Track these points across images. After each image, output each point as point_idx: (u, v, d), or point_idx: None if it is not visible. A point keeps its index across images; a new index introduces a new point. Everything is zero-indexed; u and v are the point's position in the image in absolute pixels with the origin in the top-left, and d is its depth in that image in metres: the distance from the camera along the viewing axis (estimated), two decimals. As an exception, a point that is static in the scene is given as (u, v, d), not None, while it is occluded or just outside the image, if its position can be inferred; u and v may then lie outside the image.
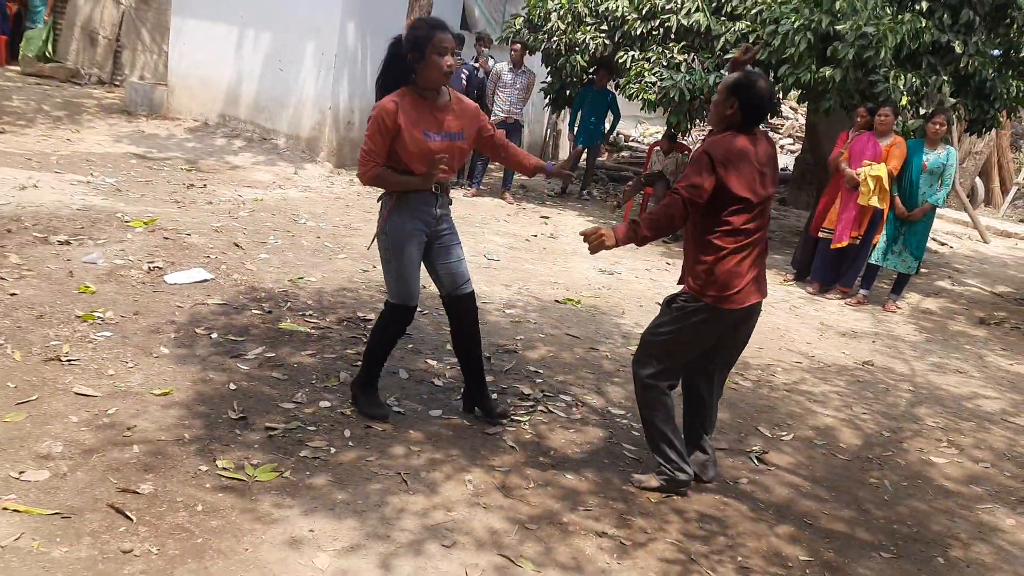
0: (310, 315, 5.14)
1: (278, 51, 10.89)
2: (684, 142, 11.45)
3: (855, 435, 4.61)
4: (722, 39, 9.16)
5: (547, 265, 7.54)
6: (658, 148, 10.25)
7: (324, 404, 3.94)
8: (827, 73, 8.13)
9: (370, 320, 5.16)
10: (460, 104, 3.69)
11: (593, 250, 3.30)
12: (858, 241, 7.80)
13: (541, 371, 4.84)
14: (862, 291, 7.96)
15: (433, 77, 3.48)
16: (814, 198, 12.51)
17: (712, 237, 3.33)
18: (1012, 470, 4.43)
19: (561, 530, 3.20)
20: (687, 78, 8.96)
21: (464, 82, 10.37)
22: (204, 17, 11.35)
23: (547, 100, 11.68)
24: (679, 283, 3.57)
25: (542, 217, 9.86)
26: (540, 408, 4.32)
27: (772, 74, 8.99)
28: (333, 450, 3.52)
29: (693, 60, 9.23)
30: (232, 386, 3.97)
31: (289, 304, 5.29)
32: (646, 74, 9.23)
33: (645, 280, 7.58)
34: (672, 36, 9.51)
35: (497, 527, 3.16)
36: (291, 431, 3.63)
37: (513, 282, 6.71)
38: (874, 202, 7.63)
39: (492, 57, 10.84)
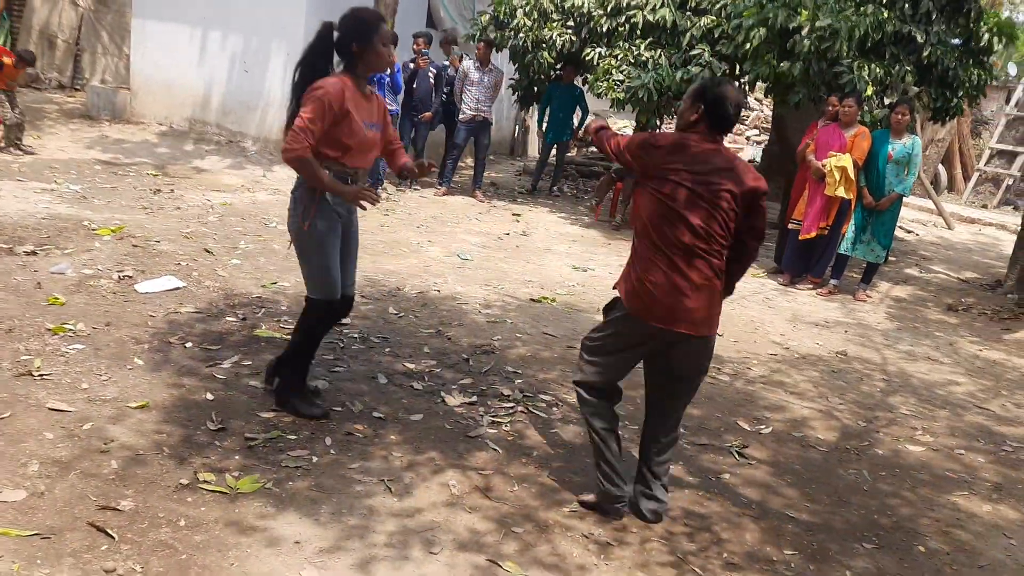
0: (287, 321, 5.10)
1: (243, 53, 10.78)
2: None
3: (832, 426, 4.66)
4: (688, 34, 9.22)
5: (521, 263, 7.54)
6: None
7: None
8: (787, 67, 8.22)
9: (346, 324, 5.13)
10: (375, 95, 3.71)
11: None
12: (827, 232, 7.89)
13: (520, 371, 4.84)
14: (832, 281, 8.05)
15: (375, 64, 3.53)
16: (783, 189, 12.61)
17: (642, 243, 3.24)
18: (984, 457, 4.50)
19: (544, 530, 3.20)
20: (654, 76, 8.99)
21: (432, 81, 10.34)
22: (166, 19, 11.20)
23: (515, 97, 11.67)
24: (614, 287, 3.43)
25: (514, 215, 9.85)
26: (520, 408, 4.32)
27: (737, 68, 9.07)
28: (315, 458, 3.49)
29: (660, 56, 9.26)
30: (210, 396, 3.92)
31: (265, 310, 5.24)
32: (613, 71, 9.25)
33: (618, 276, 7.59)
34: (638, 32, 9.54)
35: (480, 528, 3.15)
36: (271, 440, 3.59)
37: (488, 281, 6.70)
38: (840, 192, 7.71)
39: (464, 55, 10.81)
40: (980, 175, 17.27)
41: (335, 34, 3.52)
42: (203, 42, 11.01)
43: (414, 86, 10.17)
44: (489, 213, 9.81)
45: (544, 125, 11.47)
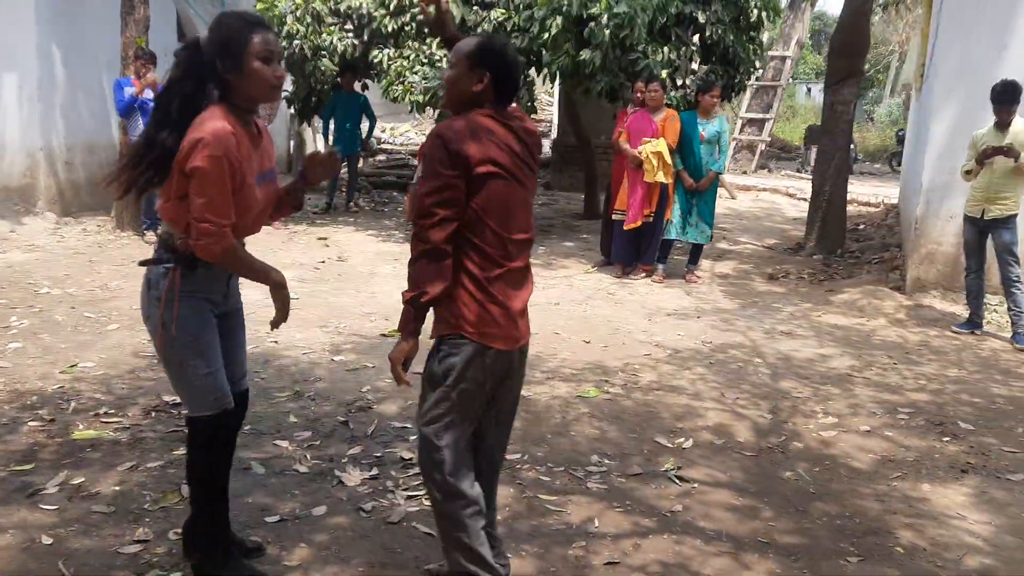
0: (107, 413, 4.12)
1: (-38, 88, 9.07)
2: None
3: (745, 426, 4.43)
4: (479, 29, 8.83)
5: (351, 294, 6.81)
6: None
7: (176, 535, 3.06)
8: (587, 56, 8.07)
9: (180, 404, 4.23)
10: (260, 128, 2.74)
11: (399, 377, 2.55)
12: (651, 218, 7.82)
13: (409, 425, 4.20)
14: (660, 267, 8.01)
15: (256, 91, 2.56)
16: (585, 180, 12.68)
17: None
18: (893, 432, 4.45)
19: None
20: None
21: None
22: None
23: (291, 110, 10.78)
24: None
25: (319, 239, 9.03)
26: (430, 473, 3.70)
27: (533, 60, 8.81)
28: (217, 602, 2.70)
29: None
30: (47, 540, 2.97)
31: (73, 404, 4.21)
32: (407, 73, 8.69)
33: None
34: (426, 30, 9.03)
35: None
36: (151, 587, 2.75)
37: (326, 321, 5.95)
38: (660, 178, 7.66)
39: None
40: (737, 143, 18.41)
41: (202, 52, 2.56)
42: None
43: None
44: (292, 240, 8.92)
45: (331, 138, 10.70)
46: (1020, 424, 4.62)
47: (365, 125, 11.02)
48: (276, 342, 5.38)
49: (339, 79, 10.06)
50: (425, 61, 8.73)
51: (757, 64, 9.85)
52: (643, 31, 7.80)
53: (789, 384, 5.12)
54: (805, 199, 13.56)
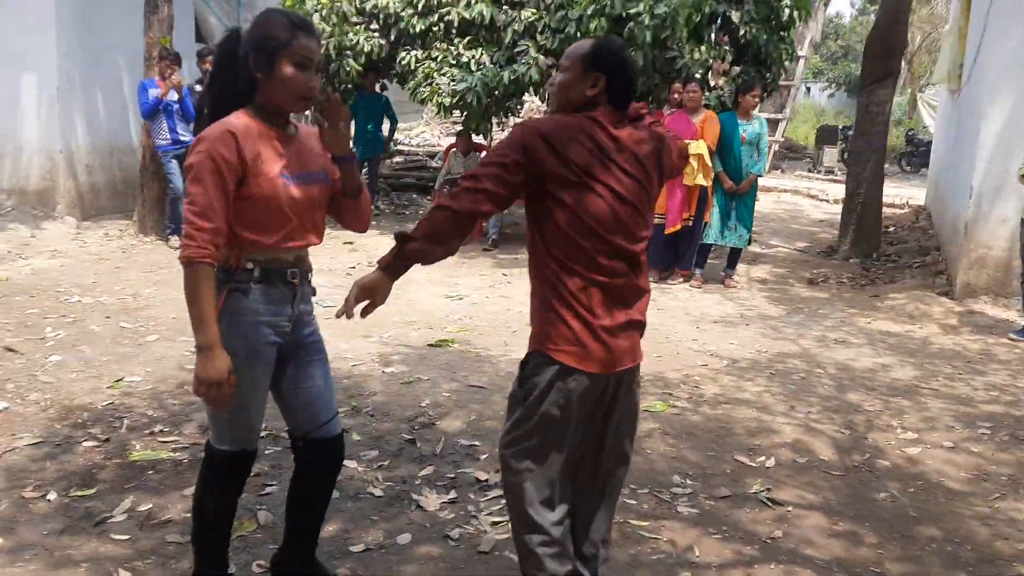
0: (162, 431, 3.94)
1: (-20, 90, 8.87)
2: (481, 141, 10.87)
3: (823, 442, 4.25)
4: (509, 30, 8.65)
5: (390, 301, 6.60)
6: (455, 150, 9.56)
7: (260, 568, 2.88)
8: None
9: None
10: (303, 130, 2.51)
11: (366, 310, 2.35)
12: (690, 222, 7.65)
13: (478, 443, 4.02)
14: (698, 271, 7.84)
15: (282, 98, 2.34)
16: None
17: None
18: (978, 448, 4.26)
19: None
20: (481, 77, 8.34)
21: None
22: None
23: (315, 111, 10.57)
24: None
25: (345, 243, 8.84)
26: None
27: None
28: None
29: (482, 56, 8.62)
30: (126, 575, 2.79)
31: (127, 421, 4.02)
32: (435, 75, 8.49)
33: (496, 299, 6.90)
34: (454, 31, 8.85)
35: None
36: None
37: (368, 330, 5.75)
38: (700, 180, 7.50)
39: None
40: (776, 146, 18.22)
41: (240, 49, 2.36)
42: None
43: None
44: (318, 248, 8.71)
45: (352, 140, 10.50)
46: (1105, 438, 4.45)
47: (386, 126, 10.84)
48: (323, 353, 5.20)
49: (362, 80, 9.86)
50: (453, 63, 8.53)
51: (788, 64, 9.67)
52: (684, 31, 7.62)
53: (857, 396, 4.94)
54: (827, 200, 13.51)
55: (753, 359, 5.56)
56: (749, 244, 8.02)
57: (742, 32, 8.65)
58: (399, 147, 14.71)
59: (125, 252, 7.93)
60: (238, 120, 2.32)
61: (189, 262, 2.23)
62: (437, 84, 8.35)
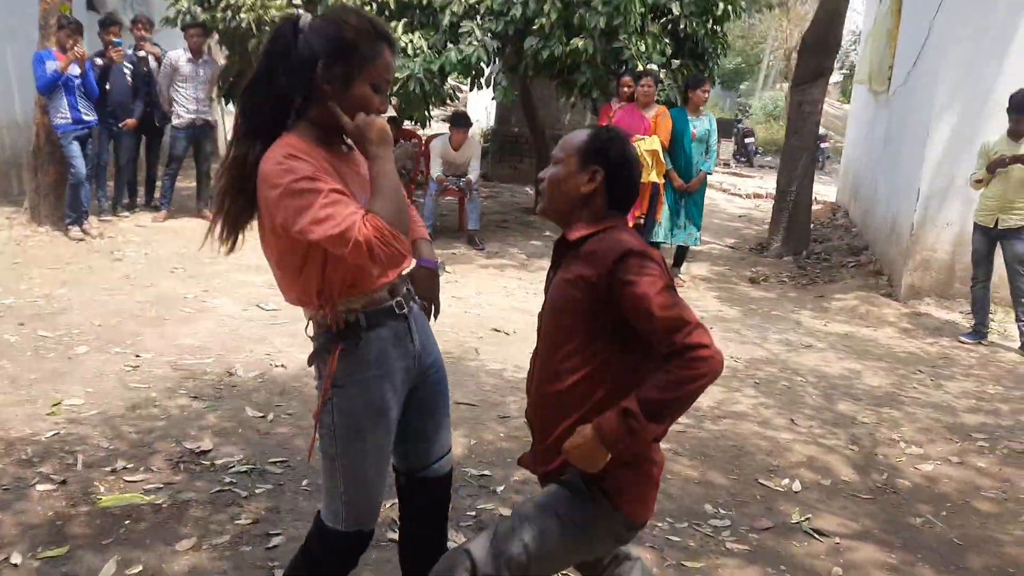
0: (126, 468, 3.38)
1: None
2: (411, 128, 10.33)
3: (838, 460, 4.09)
4: (447, 12, 8.18)
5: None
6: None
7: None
8: (579, 44, 7.61)
9: (210, 451, 3.55)
10: (352, 150, 2.09)
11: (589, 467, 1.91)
12: (643, 220, 7.45)
13: (487, 472, 3.65)
14: (647, 270, 7.66)
15: (353, 113, 1.92)
16: (520, 171, 12.19)
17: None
18: (984, 463, 4.19)
19: None
20: (422, 63, 7.86)
21: (129, 79, 8.22)
22: None
23: (223, 89, 9.77)
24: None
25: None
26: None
27: (516, 49, 8.25)
28: None
29: (419, 40, 8.12)
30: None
31: (81, 457, 3.44)
32: (372, 57, 7.94)
33: (448, 300, 6.49)
34: (388, 12, 8.30)
35: None
36: None
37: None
38: (653, 178, 7.31)
39: (158, 44, 8.74)
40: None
41: (301, 40, 1.91)
42: None
43: (107, 86, 7.98)
44: (244, 240, 8.03)
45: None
46: (1092, 448, 4.50)
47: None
48: (282, 366, 4.70)
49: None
50: (391, 44, 8.01)
51: (722, 59, 9.62)
52: (637, 19, 7.39)
53: (847, 407, 4.83)
54: (739, 195, 13.68)
55: (731, 367, 5.39)
56: (699, 243, 7.90)
57: (682, 25, 8.53)
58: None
59: (20, 245, 7.05)
60: (301, 147, 1.88)
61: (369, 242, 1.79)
62: (374, 68, 7.79)
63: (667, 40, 8.49)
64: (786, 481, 3.82)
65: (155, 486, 3.27)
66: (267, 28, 8.40)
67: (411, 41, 8.08)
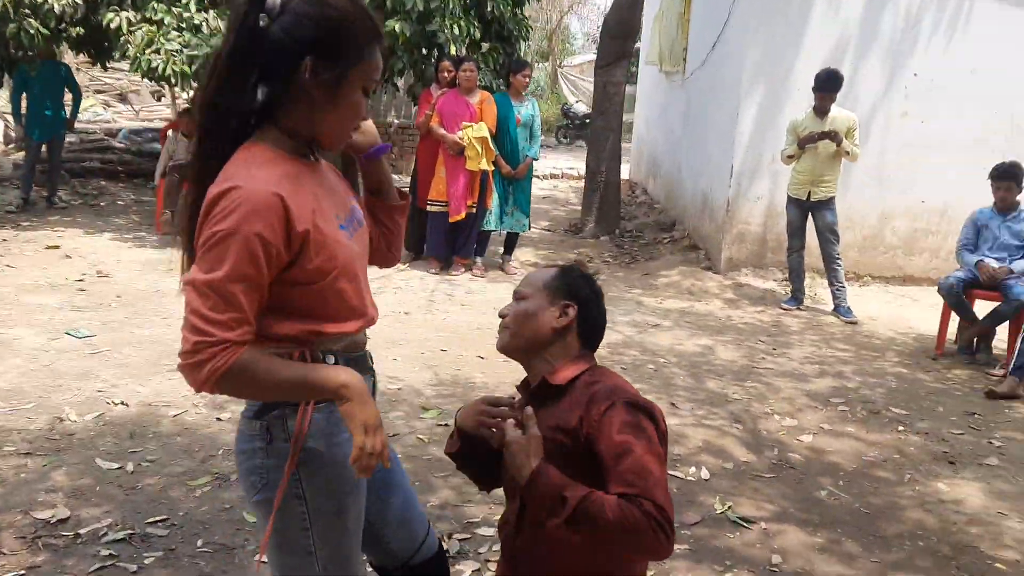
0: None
1: None
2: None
3: (730, 442, 4.15)
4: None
5: (160, 325, 5.43)
6: (176, 131, 8.16)
7: None
8: (396, 27, 7.26)
9: (68, 519, 2.99)
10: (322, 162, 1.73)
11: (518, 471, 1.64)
12: (474, 209, 7.28)
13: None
14: (478, 259, 7.51)
15: (330, 130, 1.61)
16: (336, 161, 11.48)
17: None
18: (853, 428, 4.43)
19: None
20: (216, 41, 7.18)
21: None
22: None
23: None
24: None
25: (50, 247, 7.20)
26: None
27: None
28: None
29: (215, 19, 7.42)
30: None
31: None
32: (163, 40, 7.15)
33: (388, 302, 5.98)
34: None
35: None
36: None
37: (155, 364, 4.65)
38: (484, 165, 7.15)
39: None
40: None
41: (276, 29, 1.51)
42: None
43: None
44: (12, 253, 6.99)
45: (23, 118, 8.62)
46: (930, 402, 4.89)
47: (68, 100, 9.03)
48: (124, 403, 4.08)
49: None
50: (183, 26, 7.23)
51: (525, 41, 9.61)
52: (456, 1, 7.15)
53: (715, 384, 4.95)
54: (537, 176, 13.83)
55: (597, 354, 5.36)
56: (528, 229, 7.84)
57: (489, 8, 8.40)
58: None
59: None
60: (270, 167, 1.52)
61: (241, 365, 1.46)
62: (168, 51, 7.01)
63: (476, 23, 8.34)
64: (693, 469, 3.82)
65: (15, 574, 2.68)
66: (30, 12, 7.37)
67: (206, 20, 7.38)
